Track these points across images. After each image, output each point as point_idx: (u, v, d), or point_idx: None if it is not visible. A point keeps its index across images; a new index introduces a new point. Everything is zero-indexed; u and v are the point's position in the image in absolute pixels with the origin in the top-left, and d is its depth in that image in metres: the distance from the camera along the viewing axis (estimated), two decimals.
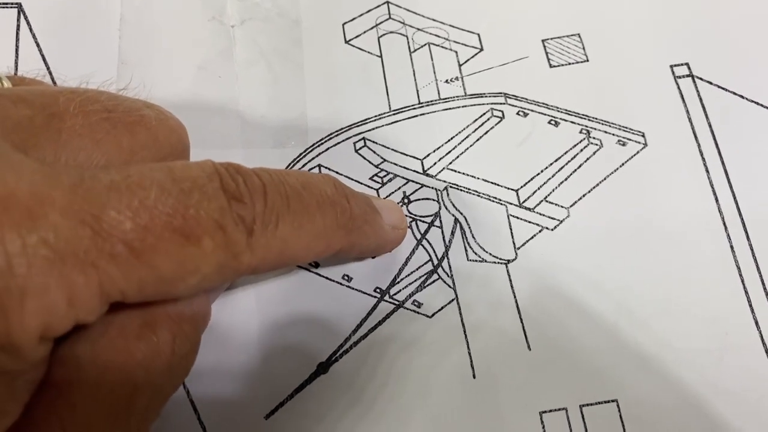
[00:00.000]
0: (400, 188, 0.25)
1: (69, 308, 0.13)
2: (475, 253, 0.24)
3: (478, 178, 0.25)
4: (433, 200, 0.25)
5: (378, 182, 0.25)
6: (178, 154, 0.19)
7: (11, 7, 0.26)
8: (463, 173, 0.25)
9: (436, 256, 0.24)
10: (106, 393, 0.15)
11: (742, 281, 0.24)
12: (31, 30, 0.26)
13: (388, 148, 0.25)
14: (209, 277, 0.15)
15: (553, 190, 0.25)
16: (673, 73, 0.27)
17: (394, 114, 0.26)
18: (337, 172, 0.25)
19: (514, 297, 0.23)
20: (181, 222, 0.15)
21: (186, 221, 0.15)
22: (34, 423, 0.15)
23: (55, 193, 0.13)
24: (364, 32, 0.27)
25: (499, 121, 0.26)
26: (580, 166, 0.25)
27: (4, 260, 0.12)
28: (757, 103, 0.26)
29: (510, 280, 0.24)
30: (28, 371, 0.14)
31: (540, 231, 0.24)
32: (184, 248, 0.15)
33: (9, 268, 0.12)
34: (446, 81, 0.27)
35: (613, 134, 0.26)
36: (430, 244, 0.24)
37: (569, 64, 0.27)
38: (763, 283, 0.24)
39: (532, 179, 0.25)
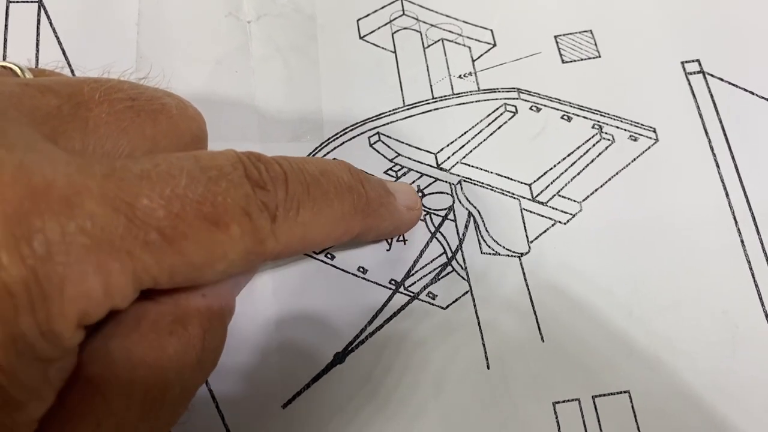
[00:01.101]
0: (414, 182, 0.25)
1: (105, 295, 0.13)
2: (489, 246, 0.24)
3: (491, 173, 0.25)
4: (447, 194, 0.25)
5: (392, 176, 0.25)
6: (197, 143, 0.19)
7: (32, 2, 0.27)
8: (477, 167, 0.25)
9: (450, 248, 0.24)
10: (139, 388, 0.15)
11: (753, 275, 0.24)
12: (51, 25, 0.26)
13: (402, 142, 0.26)
14: (236, 262, 0.16)
15: (566, 185, 0.25)
16: (684, 69, 0.27)
17: (408, 109, 0.26)
18: None
19: (528, 289, 0.24)
20: (211, 209, 0.15)
21: (215, 208, 0.15)
22: (70, 416, 0.15)
23: (90, 183, 0.13)
24: (378, 28, 0.28)
25: (513, 116, 0.26)
26: (592, 160, 0.26)
27: (44, 248, 0.12)
28: None
29: (523, 273, 0.24)
30: (63, 358, 0.14)
31: (553, 225, 0.25)
32: (213, 235, 0.15)
33: (50, 256, 0.13)
34: (460, 76, 0.27)
35: (625, 129, 0.26)
36: (444, 237, 0.24)
37: (581, 60, 0.27)
38: None
39: (545, 174, 0.25)
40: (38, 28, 0.26)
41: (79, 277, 0.13)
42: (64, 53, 0.26)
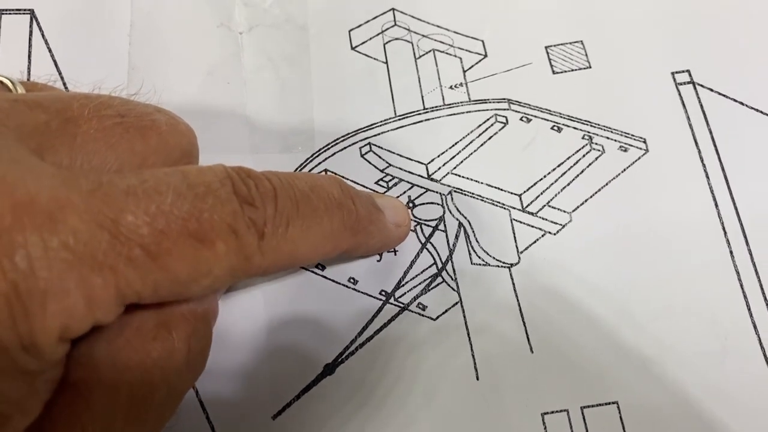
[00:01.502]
0: (405, 192, 0.25)
1: (87, 310, 0.14)
2: (479, 257, 0.24)
3: (481, 183, 0.25)
4: (438, 204, 0.25)
5: (383, 186, 0.25)
6: (188, 158, 0.19)
7: (24, 13, 0.27)
8: (467, 178, 0.26)
9: (440, 259, 0.24)
10: (124, 393, 0.15)
11: (741, 286, 0.24)
12: (43, 35, 0.26)
13: (393, 152, 0.26)
14: (221, 279, 0.16)
15: (556, 195, 0.25)
16: (674, 79, 0.27)
17: (399, 119, 0.26)
18: (343, 177, 0.25)
19: (517, 300, 0.24)
20: (196, 226, 0.15)
21: (201, 225, 0.15)
22: (53, 423, 0.15)
23: (74, 198, 0.14)
24: (370, 39, 0.28)
25: (503, 127, 0.26)
26: (582, 171, 0.26)
27: (26, 263, 0.13)
28: (758, 110, 0.26)
29: (513, 284, 0.24)
30: (48, 371, 0.14)
31: (543, 235, 0.25)
32: (198, 252, 0.15)
33: (32, 271, 0.13)
34: (451, 87, 0.27)
35: (615, 140, 0.26)
36: (434, 247, 0.25)
37: (572, 70, 0.27)
38: (762, 288, 0.24)
39: (535, 184, 0.25)
40: (30, 39, 0.26)
41: (61, 292, 0.13)
42: (55, 64, 0.26)
